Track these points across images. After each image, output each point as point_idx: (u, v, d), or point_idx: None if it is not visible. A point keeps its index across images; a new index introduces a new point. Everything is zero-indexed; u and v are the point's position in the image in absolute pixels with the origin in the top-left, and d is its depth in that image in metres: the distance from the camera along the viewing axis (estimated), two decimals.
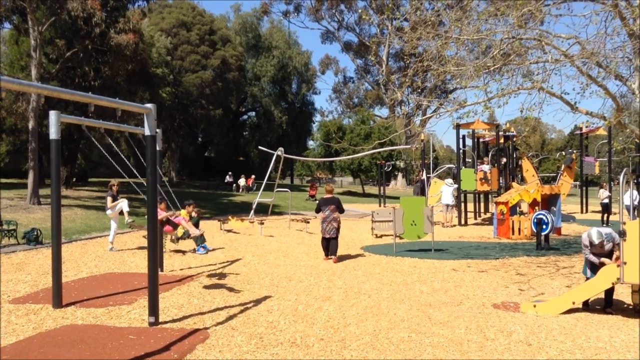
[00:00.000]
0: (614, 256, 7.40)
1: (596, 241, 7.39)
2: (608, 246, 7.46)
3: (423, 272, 10.55)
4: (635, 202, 18.67)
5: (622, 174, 7.62)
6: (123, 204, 12.86)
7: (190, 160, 53.40)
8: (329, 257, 11.88)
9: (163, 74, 35.03)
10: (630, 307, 7.51)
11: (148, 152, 6.77)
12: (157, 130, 8.14)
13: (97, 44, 22.89)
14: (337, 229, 11.80)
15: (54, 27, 22.91)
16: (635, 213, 17.77)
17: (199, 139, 51.93)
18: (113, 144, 10.36)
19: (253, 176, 40.70)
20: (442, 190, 20.07)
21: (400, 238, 13.45)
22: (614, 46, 9.11)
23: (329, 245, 11.88)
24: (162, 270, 10.06)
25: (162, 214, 11.65)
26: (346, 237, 16.34)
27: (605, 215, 20.75)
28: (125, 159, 10.52)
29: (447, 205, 19.74)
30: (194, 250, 12.69)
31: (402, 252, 12.96)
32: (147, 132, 6.73)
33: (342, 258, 12.16)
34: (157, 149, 9.03)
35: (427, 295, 8.45)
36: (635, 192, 19.15)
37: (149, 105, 6.81)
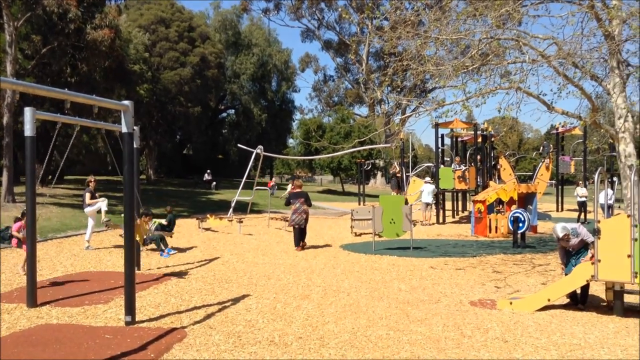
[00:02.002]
0: (589, 254, 7.54)
1: (560, 235, 7.54)
2: (574, 240, 7.60)
3: (401, 270, 10.61)
4: (610, 201, 19.04)
5: (597, 173, 7.75)
6: (102, 204, 12.70)
7: (168, 158, 52.92)
8: (299, 246, 13.15)
9: (141, 71, 34.63)
10: (605, 304, 7.65)
11: (125, 150, 6.70)
12: (135, 127, 8.06)
13: (73, 40, 22.54)
14: (306, 220, 13.21)
15: (29, 23, 22.50)
16: (610, 211, 18.11)
17: (177, 136, 51.46)
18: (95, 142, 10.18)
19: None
20: (422, 189, 20.21)
21: (380, 236, 13.50)
22: (590, 47, 9.26)
23: (300, 234, 13.25)
24: (139, 269, 9.97)
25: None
26: (325, 236, 16.37)
27: (582, 213, 21.11)
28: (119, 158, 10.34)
29: (427, 204, 19.88)
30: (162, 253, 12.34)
31: (381, 250, 13.02)
32: (124, 130, 6.66)
33: (321, 256, 12.19)
34: (135, 146, 8.94)
35: (406, 293, 8.50)
36: (609, 191, 19.52)
37: (126, 102, 6.74)
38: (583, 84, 9.52)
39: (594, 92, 10.04)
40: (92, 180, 13.10)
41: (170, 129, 45.44)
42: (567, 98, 9.57)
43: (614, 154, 11.10)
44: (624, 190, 9.42)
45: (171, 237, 13.24)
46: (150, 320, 6.75)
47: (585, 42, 9.11)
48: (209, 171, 41.67)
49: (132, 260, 6.72)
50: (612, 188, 21.66)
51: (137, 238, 12.03)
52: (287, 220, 18.04)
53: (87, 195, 12.71)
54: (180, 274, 9.83)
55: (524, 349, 5.75)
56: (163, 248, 12.13)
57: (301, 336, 6.11)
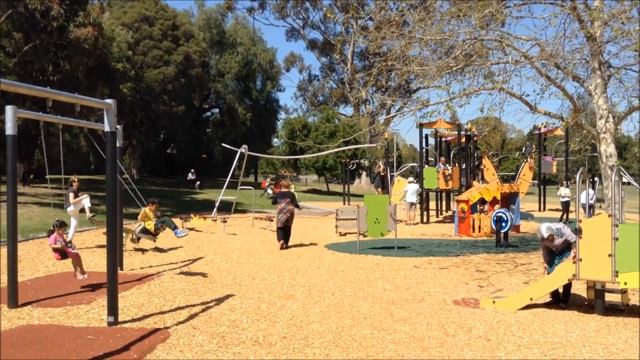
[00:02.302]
0: (572, 254, 7.63)
1: (545, 235, 7.63)
2: (558, 240, 7.69)
3: (386, 269, 10.64)
4: (591, 201, 19.27)
5: (579, 173, 7.84)
6: (85, 200, 12.56)
7: (152, 157, 52.52)
8: (284, 245, 13.31)
9: (124, 69, 34.32)
10: (586, 302, 7.74)
11: (108, 149, 6.64)
12: (118, 126, 7.99)
13: (56, 38, 22.26)
14: (291, 219, 13.37)
15: (11, 20, 22.17)
16: (592, 211, 18.33)
17: (161, 135, 51.11)
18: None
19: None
20: (406, 189, 20.30)
21: (364, 236, 13.53)
22: (572, 48, 9.37)
23: (284, 234, 13.39)
24: (121, 269, 9.88)
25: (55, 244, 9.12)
26: (310, 235, 16.36)
27: (565, 213, 21.34)
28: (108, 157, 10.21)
29: (411, 204, 19.97)
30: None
31: (365, 249, 13.05)
32: (107, 128, 6.61)
33: (305, 256, 12.18)
34: (118, 145, 8.86)
35: (390, 293, 8.53)
36: (591, 191, 19.77)
37: (109, 100, 6.68)
38: (565, 85, 9.64)
39: (575, 93, 10.17)
40: (76, 179, 12.95)
41: (154, 128, 45.12)
42: (549, 99, 9.74)
43: (596, 154, 11.25)
44: (605, 190, 9.54)
45: (154, 241, 13.10)
46: (133, 320, 6.69)
47: (567, 43, 9.23)
48: (192, 170, 41.44)
49: (114, 260, 6.66)
50: (594, 188, 21.96)
51: (148, 226, 11.89)
52: (271, 220, 18.04)
53: (71, 195, 12.57)
54: (163, 274, 9.75)
55: (507, 348, 5.80)
56: (176, 226, 11.73)
57: (285, 336, 6.10)
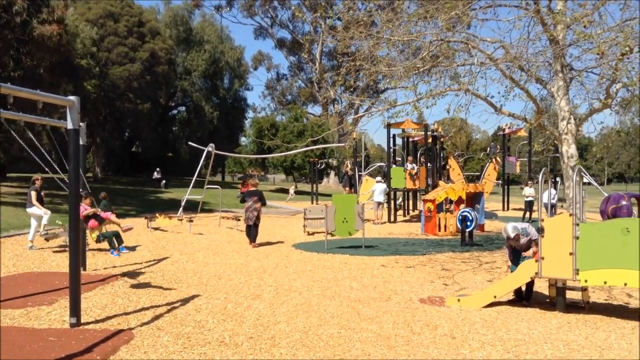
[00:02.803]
0: (531, 251, 7.81)
1: (511, 234, 7.80)
2: (523, 240, 7.86)
3: (353, 268, 10.68)
4: (553, 201, 19.72)
5: (541, 173, 8.01)
6: (45, 217, 12.20)
7: (116, 156, 51.58)
8: (253, 242, 13.56)
9: (88, 66, 33.61)
10: (548, 300, 7.91)
11: (70, 147, 6.50)
12: (81, 123, 7.82)
13: (18, 33, 21.64)
14: (258, 218, 13.55)
15: None
16: (553, 210, 18.75)
17: (126, 133, 50.24)
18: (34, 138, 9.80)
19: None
20: (374, 189, 20.42)
21: (332, 235, 13.56)
22: (536, 51, 9.55)
23: (250, 231, 13.61)
24: (84, 270, 9.66)
25: (87, 210, 11.11)
26: (278, 235, 16.31)
27: (528, 212, 21.80)
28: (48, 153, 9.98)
29: (378, 203, 20.10)
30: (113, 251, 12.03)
31: (333, 249, 13.08)
32: (69, 126, 6.46)
33: (273, 256, 12.14)
34: (81, 143, 8.67)
35: (357, 291, 8.56)
36: (553, 191, 20.22)
37: (72, 97, 6.54)
38: (529, 87, 9.83)
39: (539, 95, 10.37)
40: (39, 178, 12.63)
41: (119, 125, 44.34)
42: (513, 100, 9.95)
43: (558, 155, 11.52)
44: (567, 190, 9.77)
45: (113, 212, 12.87)
46: (97, 321, 6.56)
47: (531, 46, 9.41)
48: (158, 169, 40.86)
49: (77, 260, 6.52)
50: (556, 188, 22.45)
51: (93, 235, 11.76)
52: (238, 220, 17.95)
53: (33, 194, 12.24)
54: (128, 274, 9.59)
55: (471, 345, 5.88)
56: (116, 246, 11.81)
57: (252, 336, 6.06)
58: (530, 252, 7.78)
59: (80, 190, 11.09)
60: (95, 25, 38.49)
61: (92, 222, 11.41)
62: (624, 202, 9.03)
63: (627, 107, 10.14)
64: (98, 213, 11.67)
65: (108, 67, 38.37)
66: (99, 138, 42.69)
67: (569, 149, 9.56)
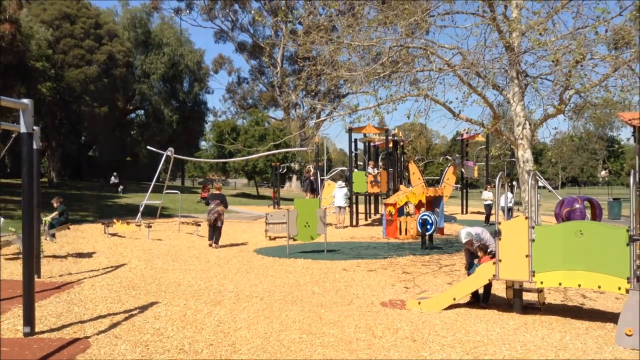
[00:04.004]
0: (480, 254, 8.01)
1: (463, 240, 7.99)
2: (476, 245, 8.04)
3: (315, 272, 10.67)
4: (510, 204, 20.19)
5: (498, 177, 8.18)
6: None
7: (73, 160, 50.29)
8: (212, 243, 14.27)
9: (43, 68, 32.64)
10: (505, 302, 8.06)
11: (24, 151, 6.32)
12: (35, 127, 7.61)
13: None
14: (218, 219, 14.30)
15: None
16: (510, 214, 19.19)
17: (83, 137, 49.04)
18: None
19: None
20: (335, 193, 20.48)
21: (294, 240, 13.53)
22: (492, 57, 9.76)
23: (214, 232, 14.36)
24: (39, 277, 9.39)
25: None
26: (239, 240, 16.18)
27: (488, 215, 22.23)
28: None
29: (340, 207, 20.16)
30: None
31: (295, 253, 13.03)
32: (23, 130, 6.29)
33: (234, 261, 12.03)
34: (35, 147, 8.42)
35: (319, 296, 8.55)
36: (509, 194, 20.71)
37: (25, 100, 6.36)
38: (486, 92, 10.02)
39: (495, 100, 10.59)
40: None
41: (75, 129, 43.28)
42: (471, 106, 10.05)
43: (514, 159, 11.81)
44: (523, 193, 10.00)
45: (69, 228, 12.56)
46: (52, 330, 6.36)
47: (487, 52, 9.61)
48: (115, 174, 40.03)
49: (30, 267, 6.32)
50: (512, 192, 23.01)
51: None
52: (199, 225, 17.75)
53: None
54: (84, 282, 9.33)
55: (432, 347, 5.94)
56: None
57: (212, 343, 5.98)
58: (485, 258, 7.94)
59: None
60: (51, 27, 37.49)
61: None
62: (577, 205, 9.28)
63: (579, 113, 10.45)
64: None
65: (64, 70, 37.41)
66: (54, 142, 41.58)
67: (524, 154, 9.79)
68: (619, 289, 6.50)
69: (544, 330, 6.71)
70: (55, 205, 13.05)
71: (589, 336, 6.41)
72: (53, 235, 11.85)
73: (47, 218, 12.71)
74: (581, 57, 8.13)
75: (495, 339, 6.27)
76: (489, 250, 8.01)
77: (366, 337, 6.27)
